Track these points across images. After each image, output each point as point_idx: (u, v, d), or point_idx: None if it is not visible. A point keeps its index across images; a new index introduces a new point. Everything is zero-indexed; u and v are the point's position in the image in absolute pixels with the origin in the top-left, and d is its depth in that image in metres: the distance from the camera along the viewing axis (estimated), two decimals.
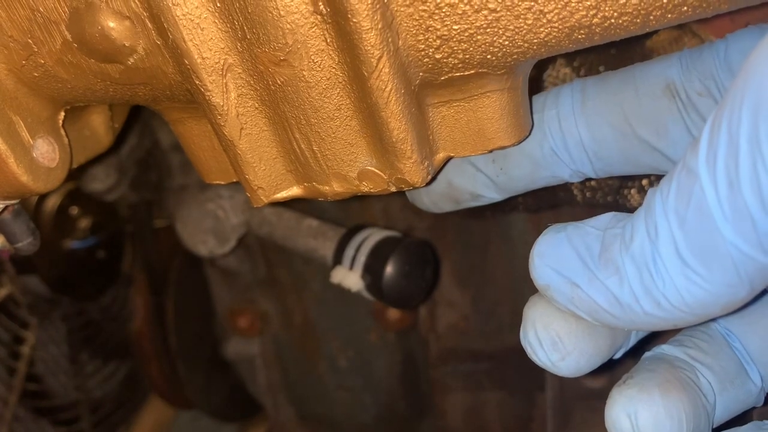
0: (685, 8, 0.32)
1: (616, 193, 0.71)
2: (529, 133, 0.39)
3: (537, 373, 0.90)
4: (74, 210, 0.96)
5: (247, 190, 0.39)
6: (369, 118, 0.35)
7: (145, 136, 0.89)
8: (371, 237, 0.63)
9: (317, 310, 0.93)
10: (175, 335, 1.06)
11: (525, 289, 0.92)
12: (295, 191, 0.40)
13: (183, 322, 1.06)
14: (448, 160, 0.39)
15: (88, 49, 0.35)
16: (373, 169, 0.37)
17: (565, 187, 0.71)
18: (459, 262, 0.93)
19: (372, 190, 0.38)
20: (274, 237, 0.71)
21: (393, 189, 0.38)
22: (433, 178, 0.39)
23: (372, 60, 0.32)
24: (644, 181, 0.69)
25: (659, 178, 0.68)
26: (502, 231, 0.91)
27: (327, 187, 0.39)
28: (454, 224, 0.91)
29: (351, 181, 0.38)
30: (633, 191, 0.70)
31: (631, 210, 0.74)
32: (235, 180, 0.42)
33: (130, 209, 1.02)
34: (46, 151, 0.40)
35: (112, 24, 0.33)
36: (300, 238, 0.68)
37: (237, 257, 0.91)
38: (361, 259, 0.61)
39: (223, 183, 0.43)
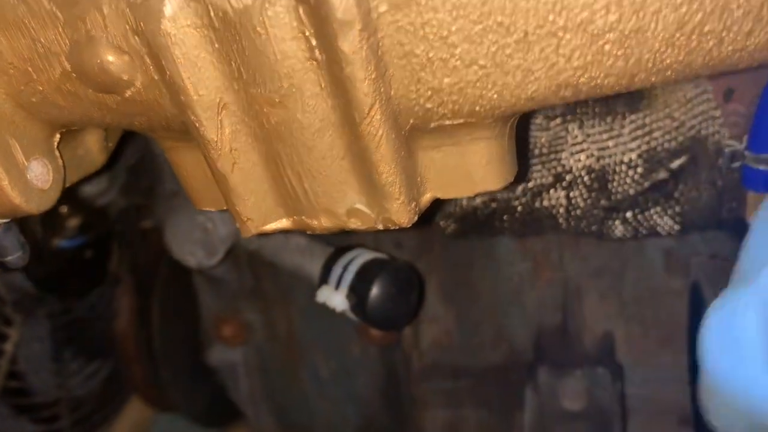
0: (669, 72, 0.33)
1: (600, 223, 0.72)
2: (514, 179, 0.40)
3: (516, 393, 0.91)
4: (63, 209, 0.96)
5: (237, 221, 0.40)
6: (359, 160, 0.36)
7: (137, 142, 0.89)
8: (358, 258, 0.64)
9: (301, 322, 0.94)
10: (160, 338, 1.06)
11: (508, 307, 0.93)
12: (284, 224, 0.40)
13: (168, 325, 1.06)
14: (435, 200, 0.40)
15: (86, 80, 0.35)
16: (361, 207, 0.38)
17: (551, 215, 0.72)
18: (444, 279, 0.94)
19: (360, 227, 0.39)
20: (263, 252, 0.72)
21: (380, 227, 0.39)
22: (419, 218, 0.40)
23: (364, 107, 0.33)
24: (628, 214, 0.70)
25: (638, 212, 0.69)
26: (488, 251, 0.92)
27: (316, 222, 0.39)
28: (440, 242, 0.92)
29: (339, 218, 0.39)
30: (617, 222, 0.72)
31: (614, 240, 0.75)
32: (225, 208, 0.42)
33: (120, 212, 1.02)
34: (40, 173, 0.40)
35: (111, 58, 0.34)
36: (288, 255, 0.69)
37: (224, 266, 0.92)
38: (347, 280, 0.61)
39: (213, 210, 0.44)
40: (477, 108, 0.34)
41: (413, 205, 0.38)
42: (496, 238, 0.89)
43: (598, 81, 0.32)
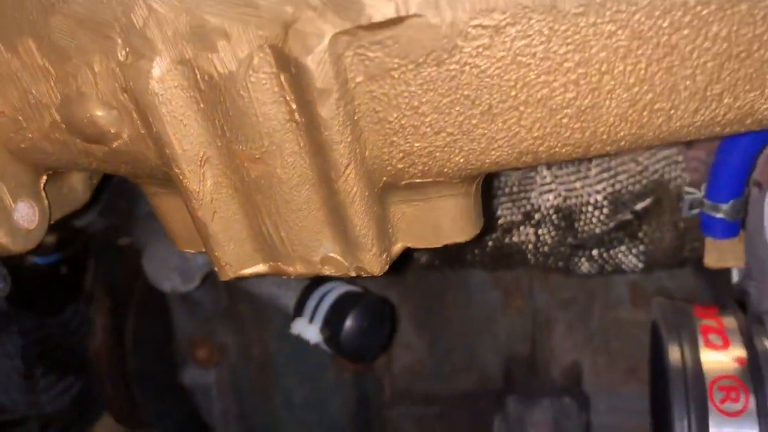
0: (623, 143, 0.35)
1: (567, 260, 0.75)
2: (480, 231, 0.43)
3: (486, 419, 0.93)
4: None
5: (216, 265, 0.42)
6: (335, 213, 0.38)
7: None
8: (332, 291, 0.65)
9: (276, 345, 0.95)
10: (133, 357, 1.06)
11: (479, 336, 0.95)
12: (261, 268, 0.42)
13: (142, 344, 1.06)
14: (406, 249, 0.43)
15: (75, 131, 0.37)
16: (335, 256, 0.40)
17: (520, 250, 0.75)
18: (417, 306, 0.96)
19: (333, 274, 0.41)
20: (239, 281, 0.73)
21: (353, 274, 0.41)
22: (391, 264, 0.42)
23: (340, 167, 0.35)
24: (594, 252, 0.73)
25: (603, 251, 0.72)
26: (460, 279, 0.94)
27: (291, 268, 0.41)
28: (414, 270, 0.94)
29: (314, 265, 0.41)
30: (583, 259, 0.74)
31: (581, 276, 0.78)
32: (205, 250, 0.44)
33: (97, 231, 1.02)
34: (26, 214, 0.42)
35: (100, 113, 0.36)
36: (264, 285, 0.70)
37: (200, 287, 0.93)
38: (322, 313, 0.63)
39: (194, 252, 0.45)
40: (445, 169, 0.36)
41: (384, 255, 0.40)
42: (468, 270, 0.91)
43: (556, 150, 0.35)
